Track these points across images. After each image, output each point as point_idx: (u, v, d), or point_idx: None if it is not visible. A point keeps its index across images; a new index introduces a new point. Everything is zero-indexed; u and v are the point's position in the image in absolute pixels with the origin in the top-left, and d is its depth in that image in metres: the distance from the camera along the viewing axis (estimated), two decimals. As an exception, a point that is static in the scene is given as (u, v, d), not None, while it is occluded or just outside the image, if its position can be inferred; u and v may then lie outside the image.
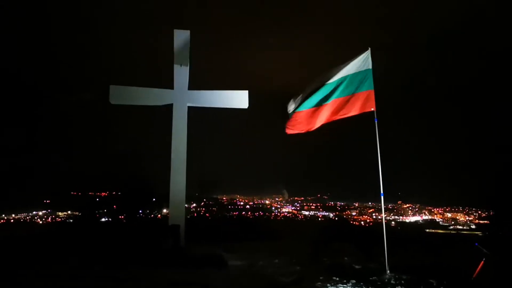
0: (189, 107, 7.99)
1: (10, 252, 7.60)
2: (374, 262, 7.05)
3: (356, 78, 6.86)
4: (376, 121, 6.60)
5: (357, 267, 6.89)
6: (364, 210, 49.36)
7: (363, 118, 6.89)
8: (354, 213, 48.49)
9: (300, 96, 7.14)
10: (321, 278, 6.14)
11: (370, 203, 52.14)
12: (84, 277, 6.00)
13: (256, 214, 43.85)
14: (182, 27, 8.15)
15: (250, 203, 53.92)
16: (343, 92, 6.90)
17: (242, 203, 51.76)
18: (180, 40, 8.05)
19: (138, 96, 7.99)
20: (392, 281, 5.90)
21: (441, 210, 47.86)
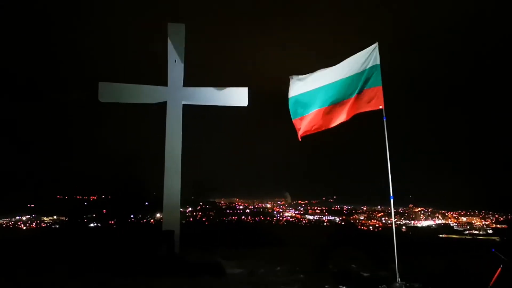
0: (184, 105, 8.02)
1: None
2: (384, 269, 7.09)
3: (364, 75, 6.90)
4: (384, 120, 6.64)
5: (365, 274, 6.93)
6: (372, 214, 49.37)
7: (371, 116, 6.94)
8: (362, 218, 48.52)
9: (304, 86, 7.22)
10: (326, 286, 6.19)
11: (379, 207, 52.17)
12: (74, 286, 6.04)
13: (257, 218, 43.86)
14: (177, 20, 8.18)
15: (250, 207, 53.93)
16: (352, 90, 6.95)
17: (241, 207, 51.76)
18: (174, 34, 8.08)
19: (129, 93, 8.02)
20: (402, 290, 5.95)
21: (455, 214, 47.89)
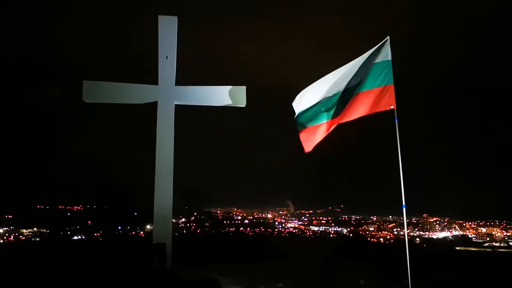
0: (176, 106, 7.99)
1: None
2: (396, 285, 7.05)
3: (373, 71, 6.89)
4: (396, 121, 6.61)
5: (375, 292, 6.90)
6: (383, 225, 49.36)
7: (381, 117, 6.92)
8: (371, 229, 48.50)
9: (311, 99, 7.21)
10: (333, 305, 6.15)
11: (390, 217, 52.22)
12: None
13: (257, 230, 43.84)
14: (169, 12, 8.16)
15: (249, 217, 53.92)
16: (360, 88, 6.93)
17: (239, 218, 51.74)
18: (166, 28, 8.06)
19: (116, 93, 7.98)
20: (416, 309, 5.92)
21: (474, 224, 47.88)
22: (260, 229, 42.91)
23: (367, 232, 46.09)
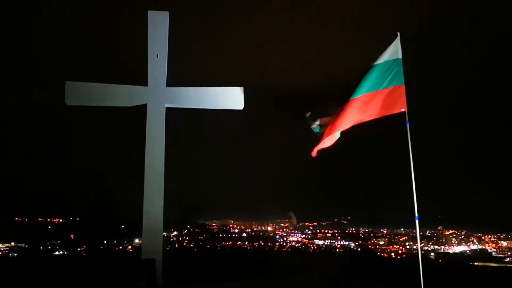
0: (167, 109, 8.01)
1: None
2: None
3: (382, 71, 6.91)
4: (408, 125, 6.63)
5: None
6: (394, 239, 49.29)
7: (391, 120, 6.94)
8: (382, 242, 48.42)
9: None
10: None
11: (402, 229, 52.15)
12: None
13: (256, 244, 43.76)
14: (161, 7, 8.18)
15: (247, 230, 53.85)
16: (368, 87, 6.95)
17: (237, 230, 51.64)
18: (156, 24, 8.08)
19: (102, 95, 7.99)
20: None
21: (493, 237, 47.85)
22: (259, 243, 42.83)
23: (377, 246, 46.03)
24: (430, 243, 47.15)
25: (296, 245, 45.14)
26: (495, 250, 45.16)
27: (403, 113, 6.71)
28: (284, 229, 58.24)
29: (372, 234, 51.54)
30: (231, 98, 8.10)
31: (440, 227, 50.71)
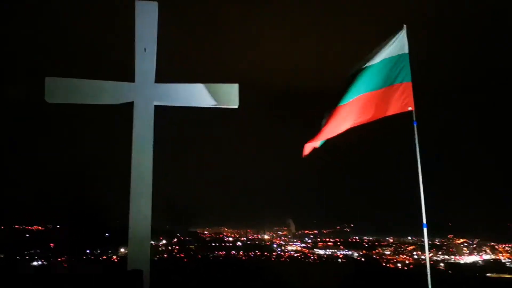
0: (156, 107, 8.01)
1: None
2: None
3: (387, 66, 6.92)
4: (415, 125, 6.65)
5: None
6: (401, 248, 49.39)
7: (397, 120, 6.96)
8: (387, 252, 48.50)
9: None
10: None
11: (409, 238, 52.28)
12: None
13: (251, 254, 43.70)
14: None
15: (242, 238, 53.82)
16: (372, 84, 6.97)
17: (231, 239, 51.62)
18: (144, 15, 8.08)
19: (85, 92, 7.98)
20: None
21: (508, 246, 48.02)
22: (255, 253, 42.82)
23: (382, 256, 46.11)
24: (440, 252, 47.29)
25: (295, 255, 45.13)
26: (509, 260, 45.30)
27: (410, 112, 6.74)
28: (282, 238, 58.29)
29: (377, 243, 51.64)
30: (226, 95, 8.11)
31: (450, 235, 50.91)
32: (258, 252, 43.56)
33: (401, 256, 46.79)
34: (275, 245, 52.64)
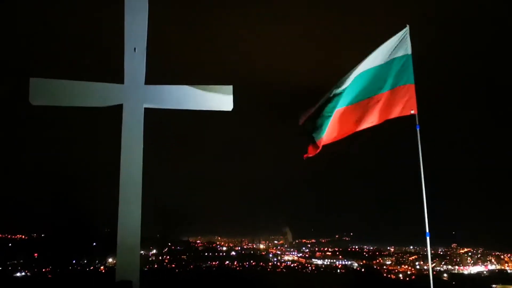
0: (146, 110, 8.00)
1: None
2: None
3: (390, 68, 6.93)
4: (418, 129, 6.66)
5: None
6: (403, 258, 49.43)
7: (400, 123, 6.97)
8: (388, 262, 48.52)
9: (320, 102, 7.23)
10: None
11: (411, 247, 52.42)
12: None
13: (246, 264, 43.61)
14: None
15: (236, 248, 53.80)
16: (380, 84, 6.97)
17: (225, 248, 51.56)
18: (133, 12, 8.08)
19: (72, 93, 7.95)
20: None
21: (514, 256, 48.08)
22: (250, 263, 42.75)
23: (383, 267, 46.15)
24: (443, 262, 47.36)
25: (292, 265, 45.05)
26: (515, 270, 45.38)
27: (413, 115, 6.75)
28: (279, 247, 58.28)
29: (377, 253, 51.70)
30: (219, 97, 8.10)
31: (454, 244, 51.02)
32: (254, 262, 43.53)
33: (403, 266, 46.92)
34: (271, 255, 52.70)
